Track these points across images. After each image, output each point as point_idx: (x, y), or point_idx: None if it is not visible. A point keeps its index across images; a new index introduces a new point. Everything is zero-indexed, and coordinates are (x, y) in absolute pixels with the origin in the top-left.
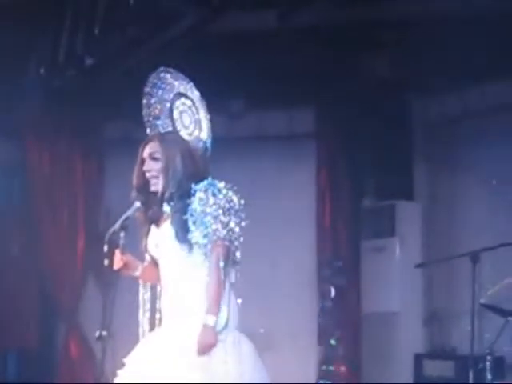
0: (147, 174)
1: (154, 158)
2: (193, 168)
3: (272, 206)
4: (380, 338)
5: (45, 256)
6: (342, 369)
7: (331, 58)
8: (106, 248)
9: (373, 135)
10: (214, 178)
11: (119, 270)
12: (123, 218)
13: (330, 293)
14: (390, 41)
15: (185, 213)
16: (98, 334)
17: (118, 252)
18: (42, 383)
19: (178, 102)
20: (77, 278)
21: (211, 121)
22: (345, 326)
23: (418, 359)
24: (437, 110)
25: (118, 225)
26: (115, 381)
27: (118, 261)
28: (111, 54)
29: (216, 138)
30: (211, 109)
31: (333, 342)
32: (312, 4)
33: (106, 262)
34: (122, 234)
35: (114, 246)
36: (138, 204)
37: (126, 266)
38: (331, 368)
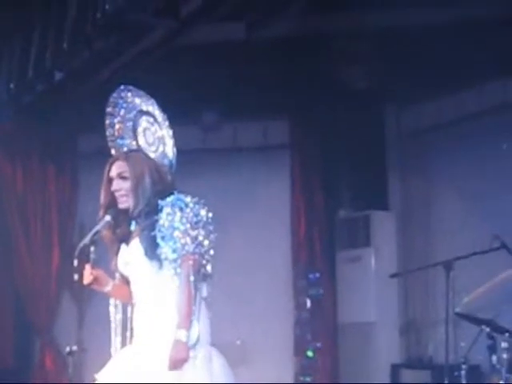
0: (116, 193)
1: (122, 177)
2: (160, 184)
3: (247, 218)
4: (357, 348)
5: (19, 272)
6: (319, 379)
7: (305, 68)
8: (75, 262)
9: (347, 146)
10: (187, 191)
11: (89, 285)
12: (93, 232)
13: (305, 304)
14: (363, 51)
15: (153, 229)
16: (68, 349)
17: (88, 266)
18: None
19: (140, 120)
20: (51, 293)
21: (185, 133)
22: (321, 337)
23: (395, 369)
24: (411, 120)
25: (87, 239)
26: None
27: (87, 275)
28: (80, 68)
29: (190, 150)
30: (185, 121)
31: (309, 353)
32: (283, 14)
33: (75, 276)
34: (92, 249)
35: (84, 260)
36: (108, 218)
37: (96, 280)
38: (308, 379)
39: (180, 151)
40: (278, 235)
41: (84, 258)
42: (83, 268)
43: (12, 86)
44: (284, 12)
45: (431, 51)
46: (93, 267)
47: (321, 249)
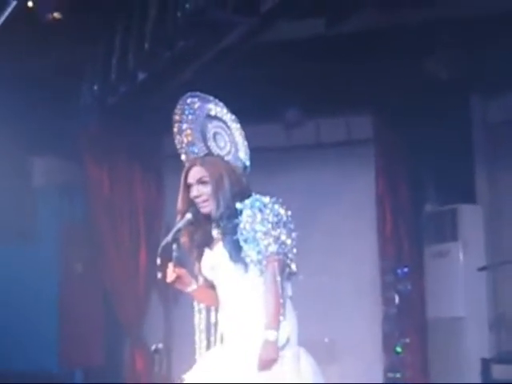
0: (197, 200)
1: (202, 182)
2: (238, 187)
3: (332, 214)
4: (446, 343)
5: (108, 273)
6: (409, 376)
7: (386, 61)
8: (158, 261)
9: (433, 138)
10: (272, 188)
11: (172, 283)
12: (175, 230)
13: (394, 300)
14: (446, 40)
15: (235, 233)
16: (154, 347)
17: (170, 265)
18: None
19: (209, 125)
20: (140, 293)
21: (269, 130)
22: (410, 333)
23: (486, 364)
24: (498, 111)
25: (170, 237)
26: None
27: (170, 273)
28: (163, 69)
29: (274, 147)
30: (268, 119)
31: (398, 349)
32: (363, 9)
33: (159, 274)
34: (174, 247)
35: (167, 259)
36: (189, 216)
37: (179, 279)
38: (398, 375)
39: (264, 149)
40: (364, 231)
41: (167, 256)
42: (167, 266)
43: (96, 88)
44: (362, 6)
45: None
46: (175, 265)
47: (408, 243)
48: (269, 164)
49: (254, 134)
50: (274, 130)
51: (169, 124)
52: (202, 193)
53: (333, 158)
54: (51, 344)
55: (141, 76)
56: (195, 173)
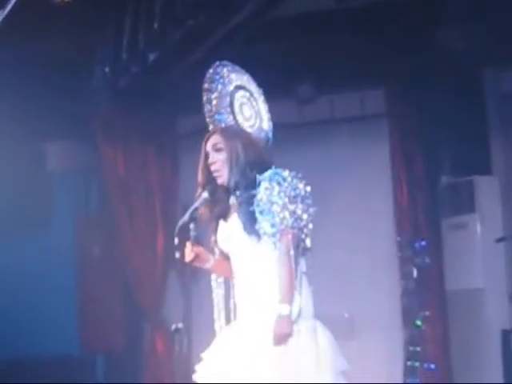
0: (212, 167)
1: (217, 149)
2: (255, 157)
3: (347, 189)
4: (466, 315)
5: (125, 256)
6: (430, 349)
7: (398, 34)
8: (176, 240)
9: (447, 110)
10: (284, 165)
11: (191, 262)
12: (192, 209)
13: (412, 273)
14: (459, 11)
15: (251, 204)
16: (174, 327)
17: (188, 244)
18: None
19: (237, 95)
20: (158, 275)
21: (282, 107)
22: (429, 306)
23: (506, 335)
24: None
25: (187, 217)
26: (194, 376)
27: (189, 253)
28: (173, 48)
29: (287, 123)
30: (280, 95)
31: (418, 322)
32: None
33: (177, 254)
34: (191, 226)
35: (184, 238)
36: (205, 195)
37: (197, 257)
38: (418, 349)
39: (276, 125)
40: (380, 205)
41: (184, 235)
42: (184, 246)
43: (107, 69)
44: None
45: None
46: (193, 244)
47: (425, 217)
48: (282, 141)
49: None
50: (286, 106)
51: (182, 103)
52: (216, 160)
53: (347, 133)
54: (72, 330)
55: (151, 56)
56: (212, 140)
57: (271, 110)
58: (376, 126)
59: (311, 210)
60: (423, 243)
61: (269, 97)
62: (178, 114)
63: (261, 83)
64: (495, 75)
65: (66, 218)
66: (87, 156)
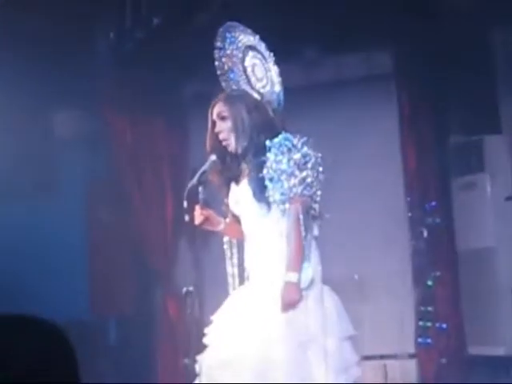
0: (220, 136)
1: (222, 118)
2: (261, 120)
3: (356, 152)
4: (477, 273)
5: (135, 222)
6: (441, 308)
7: None
8: (185, 204)
9: (454, 69)
10: (293, 128)
11: (201, 225)
12: (200, 172)
13: (422, 234)
14: None
15: (261, 170)
16: (185, 290)
17: (197, 207)
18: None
19: (248, 55)
20: (168, 239)
21: (287, 70)
22: (440, 266)
23: None
24: None
25: (195, 180)
26: (204, 339)
27: (198, 216)
28: (177, 12)
29: (293, 86)
30: (286, 57)
31: (430, 282)
32: None
33: (186, 217)
34: (200, 189)
35: (193, 201)
36: (213, 158)
37: (207, 220)
38: (430, 309)
39: (283, 89)
40: (389, 166)
41: (193, 199)
42: (194, 209)
43: (111, 36)
44: None
45: None
46: (202, 207)
47: (434, 177)
48: (289, 103)
49: None
50: (292, 69)
51: (189, 68)
52: (222, 128)
53: (354, 95)
54: (82, 293)
55: (156, 21)
56: (217, 108)
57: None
58: (384, 87)
59: (322, 176)
60: (433, 203)
61: (274, 61)
62: (185, 79)
63: (267, 47)
64: (503, 34)
65: (74, 186)
66: (94, 124)
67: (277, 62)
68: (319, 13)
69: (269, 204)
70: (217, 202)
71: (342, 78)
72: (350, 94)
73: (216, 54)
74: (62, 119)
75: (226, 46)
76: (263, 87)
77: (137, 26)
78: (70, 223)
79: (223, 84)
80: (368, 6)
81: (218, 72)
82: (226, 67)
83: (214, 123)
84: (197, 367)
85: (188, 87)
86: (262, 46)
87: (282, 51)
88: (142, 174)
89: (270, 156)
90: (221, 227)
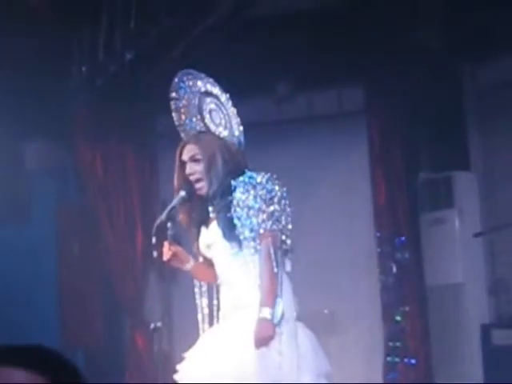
0: (191, 178)
1: (195, 160)
2: (232, 164)
3: (326, 186)
4: (446, 309)
5: (105, 253)
6: (410, 344)
7: (375, 32)
8: (153, 240)
9: (425, 107)
10: (264, 163)
11: (169, 262)
12: (169, 208)
13: (391, 269)
14: (436, 9)
15: (229, 210)
16: (152, 325)
17: (166, 243)
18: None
19: (205, 102)
20: (137, 272)
21: (259, 105)
22: (409, 301)
23: (486, 329)
24: (490, 76)
25: (164, 215)
26: (176, 376)
27: (166, 251)
28: (150, 48)
29: (265, 122)
30: (258, 94)
31: (398, 317)
32: None
33: (154, 253)
34: (169, 225)
35: (162, 237)
36: (182, 193)
37: (175, 256)
38: (398, 344)
39: (254, 124)
40: (359, 202)
41: (162, 234)
42: (162, 245)
43: (84, 69)
44: None
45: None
46: (171, 243)
47: (404, 212)
48: (260, 139)
49: (245, 108)
50: (264, 104)
51: (161, 102)
52: (194, 171)
53: (325, 131)
54: (51, 324)
55: (128, 55)
56: (188, 151)
57: (249, 109)
58: (354, 124)
59: (289, 210)
60: (402, 239)
61: (246, 95)
62: (156, 113)
63: (238, 81)
64: (472, 71)
65: (45, 216)
66: (66, 155)
67: (248, 98)
68: (292, 49)
69: (240, 242)
70: (186, 239)
71: (314, 114)
72: (322, 129)
73: (172, 105)
74: (33, 149)
75: (181, 96)
76: (222, 131)
77: (109, 60)
78: (40, 255)
79: (182, 134)
80: (340, 45)
81: (176, 123)
82: (183, 117)
83: (182, 164)
84: None
85: (159, 121)
86: (218, 90)
87: (255, 87)
88: (113, 206)
89: (236, 195)
90: (190, 265)
